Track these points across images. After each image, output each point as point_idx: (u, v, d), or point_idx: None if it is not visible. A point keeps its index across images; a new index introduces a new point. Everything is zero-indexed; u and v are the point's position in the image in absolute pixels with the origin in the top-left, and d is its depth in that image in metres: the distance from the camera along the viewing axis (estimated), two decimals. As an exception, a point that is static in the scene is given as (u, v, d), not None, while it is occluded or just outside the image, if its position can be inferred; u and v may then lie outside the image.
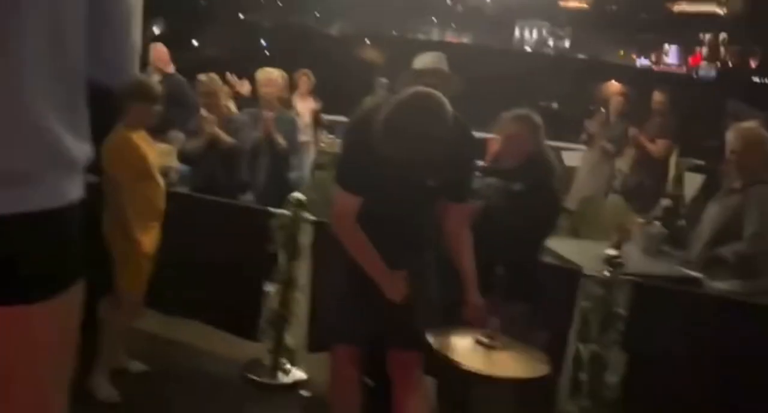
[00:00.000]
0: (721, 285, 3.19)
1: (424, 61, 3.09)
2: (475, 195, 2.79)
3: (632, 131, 6.09)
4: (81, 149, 1.17)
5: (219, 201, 3.62)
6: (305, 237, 3.34)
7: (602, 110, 7.08)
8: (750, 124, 3.42)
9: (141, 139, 3.06)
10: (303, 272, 3.36)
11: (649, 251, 4.16)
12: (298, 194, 3.34)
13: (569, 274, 3.01)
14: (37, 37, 1.07)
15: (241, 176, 4.22)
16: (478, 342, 1.86)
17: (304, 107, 6.68)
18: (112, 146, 2.98)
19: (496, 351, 1.83)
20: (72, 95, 1.16)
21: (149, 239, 3.05)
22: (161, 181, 3.13)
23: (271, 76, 4.49)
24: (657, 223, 4.30)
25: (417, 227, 2.31)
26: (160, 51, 5.89)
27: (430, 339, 1.94)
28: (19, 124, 1.08)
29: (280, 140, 4.31)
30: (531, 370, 1.85)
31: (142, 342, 3.46)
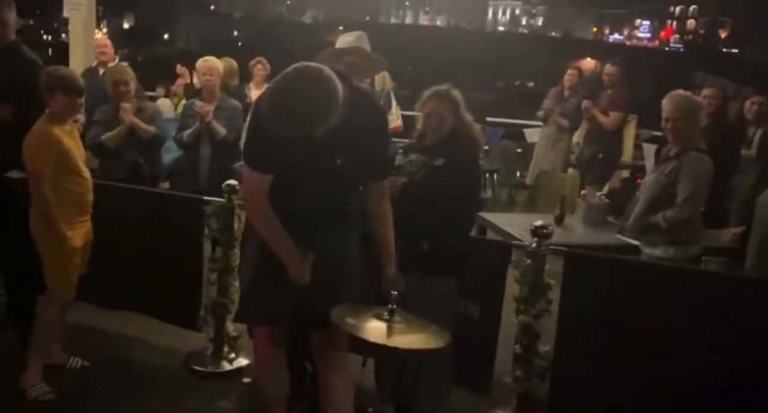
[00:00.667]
0: (656, 252, 3.22)
1: (345, 40, 3.08)
2: (398, 172, 2.80)
3: (585, 103, 6.12)
4: None
5: (152, 191, 3.59)
6: (241, 224, 3.32)
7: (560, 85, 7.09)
8: (683, 92, 3.43)
9: (64, 132, 3.01)
10: (238, 258, 3.35)
11: (591, 221, 4.20)
12: (231, 181, 3.31)
13: (500, 246, 3.03)
14: None
15: (161, 165, 4.23)
16: (379, 317, 1.87)
17: (260, 94, 6.61)
18: (31, 139, 2.93)
19: (396, 324, 1.84)
20: None
21: (78, 234, 3.02)
22: (87, 174, 3.09)
23: (209, 64, 4.44)
24: (599, 194, 4.33)
25: (331, 205, 2.28)
26: (103, 43, 5.80)
27: (332, 315, 1.94)
28: None
29: (219, 129, 4.29)
30: (426, 342, 1.86)
31: (82, 336, 3.43)
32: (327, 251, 2.25)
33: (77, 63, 7.54)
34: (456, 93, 2.83)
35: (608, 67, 6.12)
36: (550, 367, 2.89)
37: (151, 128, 4.11)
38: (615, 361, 2.75)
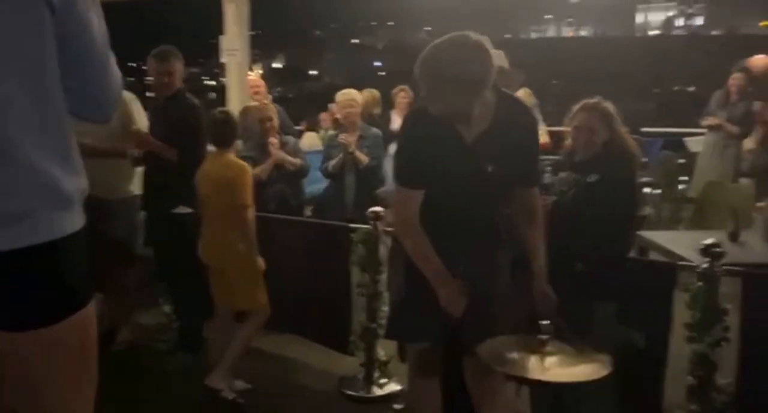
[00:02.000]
0: None
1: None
2: (547, 190, 2.65)
3: (757, 105, 5.51)
4: (74, 185, 1.23)
5: (303, 220, 3.71)
6: (385, 250, 3.32)
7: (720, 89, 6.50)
8: None
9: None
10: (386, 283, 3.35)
11: (773, 237, 3.73)
12: (375, 208, 3.33)
13: (664, 268, 2.76)
14: (10, 79, 1.14)
15: (303, 194, 4.43)
16: (529, 349, 1.73)
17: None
18: (237, 175, 3.18)
19: (549, 356, 1.69)
20: (60, 134, 1.23)
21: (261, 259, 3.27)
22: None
23: (346, 97, 4.56)
24: (781, 205, 3.84)
25: (484, 222, 2.20)
26: (256, 84, 6.15)
27: (480, 350, 1.83)
28: (11, 167, 1.15)
29: (362, 158, 4.39)
30: (582, 374, 1.69)
31: (246, 358, 3.58)
32: (478, 273, 2.15)
33: (235, 103, 8.10)
34: (607, 105, 2.66)
35: None
36: (732, 401, 2.57)
37: (297, 160, 4.26)
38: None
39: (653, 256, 3.82)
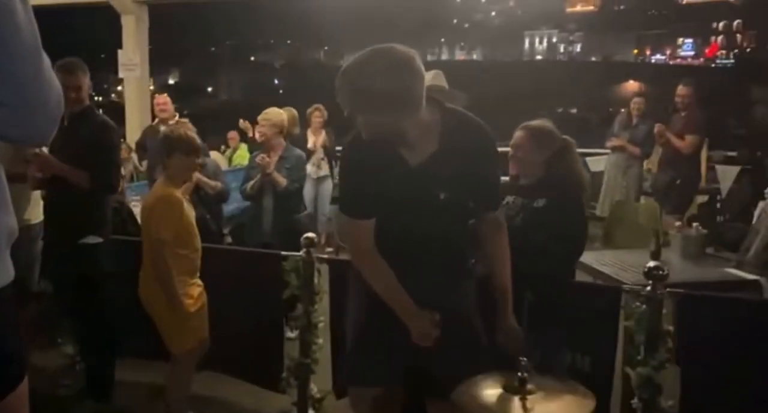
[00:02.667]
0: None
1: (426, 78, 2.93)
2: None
3: (658, 127, 5.81)
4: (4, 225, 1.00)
5: (227, 249, 3.46)
6: (322, 278, 3.15)
7: (622, 111, 6.86)
8: None
9: (180, 195, 2.99)
10: (323, 315, 3.17)
11: (691, 255, 3.89)
12: (309, 234, 3.16)
13: (607, 291, 2.77)
14: None
15: (222, 218, 4.23)
16: (508, 389, 1.63)
17: (318, 141, 6.56)
18: (155, 204, 2.91)
19: (532, 395, 1.60)
20: None
21: (192, 298, 2.98)
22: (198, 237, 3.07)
23: (266, 116, 4.39)
24: (695, 224, 4.02)
25: (443, 251, 2.07)
26: (163, 101, 5.83)
27: (454, 396, 1.70)
28: None
29: (280, 180, 4.23)
30: (574, 410, 1.61)
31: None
32: (443, 305, 2.02)
33: (134, 122, 7.68)
34: (547, 125, 2.64)
35: (681, 89, 5.83)
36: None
37: (217, 183, 4.05)
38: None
39: (579, 277, 3.88)
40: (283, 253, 3.20)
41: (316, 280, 3.13)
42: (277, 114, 4.48)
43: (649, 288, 2.55)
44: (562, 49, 73.81)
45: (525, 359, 1.64)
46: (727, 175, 7.80)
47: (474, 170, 1.98)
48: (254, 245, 4.33)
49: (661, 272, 2.54)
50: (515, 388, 1.62)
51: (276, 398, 3.32)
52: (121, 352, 3.43)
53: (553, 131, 2.67)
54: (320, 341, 3.15)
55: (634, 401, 2.62)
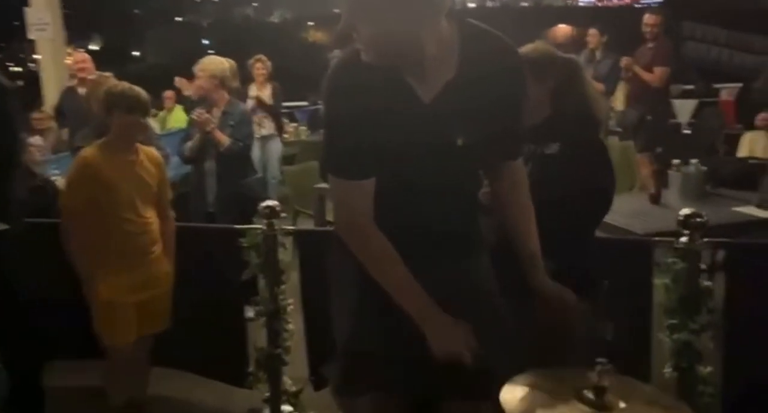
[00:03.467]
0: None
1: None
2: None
3: (625, 60, 5.41)
4: None
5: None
6: (286, 254, 2.64)
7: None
8: None
9: (118, 160, 2.52)
10: (291, 296, 2.67)
11: (692, 195, 3.53)
12: (269, 202, 2.62)
13: (636, 247, 2.36)
14: None
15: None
16: (583, 399, 1.18)
17: (264, 96, 5.93)
18: (71, 167, 2.52)
19: (615, 410, 1.15)
20: None
21: (123, 283, 2.52)
22: (147, 212, 2.61)
23: (205, 66, 3.79)
24: (694, 161, 3.66)
25: (464, 218, 1.59)
26: (81, 59, 5.11)
27: (504, 399, 1.24)
28: None
29: (222, 139, 3.69)
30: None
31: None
32: (457, 287, 1.54)
33: (52, 87, 6.87)
34: (539, 48, 2.12)
35: (649, 17, 5.42)
36: (716, 393, 2.24)
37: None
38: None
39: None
40: (240, 227, 2.66)
41: (280, 256, 2.62)
42: (217, 63, 3.89)
43: (685, 239, 2.15)
44: (494, -5, 73.97)
45: (605, 364, 1.18)
46: (685, 109, 7.58)
47: (499, 104, 1.48)
48: (198, 215, 3.79)
49: (699, 220, 2.13)
50: (591, 401, 1.17)
51: (244, 394, 2.83)
52: (51, 354, 2.87)
53: (553, 55, 2.15)
54: (291, 326, 2.66)
55: (667, 370, 2.25)
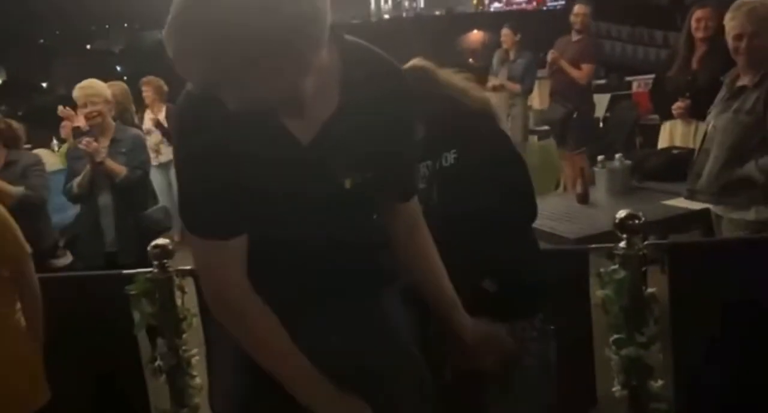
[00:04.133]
0: (748, 216, 2.43)
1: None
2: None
3: (552, 54, 5.25)
4: None
5: (51, 278, 2.46)
6: (188, 297, 2.30)
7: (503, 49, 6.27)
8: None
9: None
10: (196, 345, 2.33)
11: (619, 191, 3.39)
12: (159, 241, 2.28)
13: (571, 256, 2.14)
14: None
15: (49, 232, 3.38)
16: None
17: (160, 118, 5.53)
18: None
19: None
20: None
21: None
22: None
23: (88, 91, 3.40)
24: (618, 155, 3.53)
25: (352, 259, 1.26)
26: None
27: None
28: None
29: (117, 169, 3.32)
30: None
31: None
32: (362, 334, 1.26)
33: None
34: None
35: (579, 7, 5.26)
36: (671, 409, 2.05)
37: (17, 189, 3.07)
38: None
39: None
40: (126, 272, 2.30)
41: (179, 301, 2.28)
42: (104, 87, 3.52)
43: (623, 244, 1.95)
44: (407, 5, 74.85)
45: None
46: (600, 103, 7.63)
47: (388, 135, 1.21)
48: (95, 258, 3.39)
49: (636, 223, 1.94)
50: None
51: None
52: None
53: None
54: (197, 381, 2.32)
55: (616, 389, 2.05)
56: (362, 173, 1.20)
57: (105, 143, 3.39)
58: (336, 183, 1.19)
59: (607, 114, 7.64)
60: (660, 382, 2.02)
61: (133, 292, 2.23)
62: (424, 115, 1.74)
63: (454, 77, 1.89)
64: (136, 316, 2.25)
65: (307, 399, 1.16)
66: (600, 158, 3.55)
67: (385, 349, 1.28)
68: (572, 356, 2.03)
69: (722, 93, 2.56)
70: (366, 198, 1.26)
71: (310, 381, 1.17)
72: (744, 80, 2.45)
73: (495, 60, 6.20)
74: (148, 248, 2.25)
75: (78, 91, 3.43)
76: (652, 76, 7.78)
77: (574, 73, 5.18)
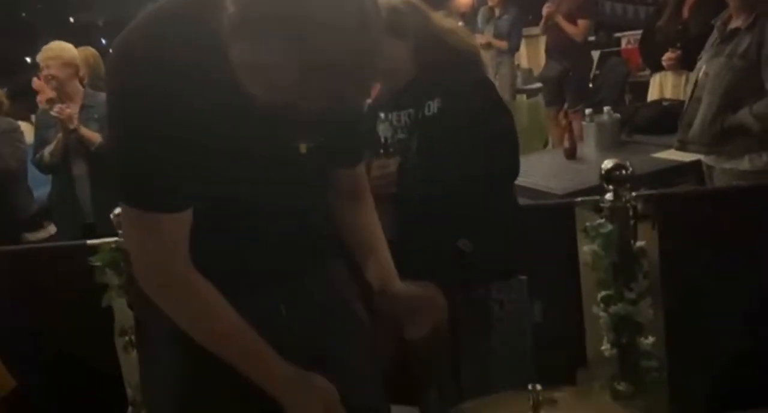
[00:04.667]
0: (742, 165, 2.33)
1: None
2: (385, 150, 1.74)
3: (547, 7, 5.03)
4: None
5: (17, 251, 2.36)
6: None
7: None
8: None
9: None
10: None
11: (608, 145, 3.29)
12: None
13: (555, 211, 2.05)
14: None
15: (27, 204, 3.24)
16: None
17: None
18: None
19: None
20: None
21: None
22: None
23: (53, 54, 3.26)
24: (607, 108, 3.41)
25: (303, 229, 1.16)
26: None
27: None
28: None
29: (91, 136, 3.18)
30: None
31: None
32: (313, 305, 1.17)
33: None
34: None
35: None
36: (662, 367, 1.98)
37: None
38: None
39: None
40: (90, 242, 2.19)
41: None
42: (66, 49, 3.36)
43: (610, 196, 1.85)
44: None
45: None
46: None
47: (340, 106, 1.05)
48: (74, 229, 3.29)
49: (623, 173, 1.83)
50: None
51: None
52: None
53: (411, 4, 1.76)
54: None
55: (605, 347, 1.97)
56: (316, 134, 1.09)
57: (75, 109, 3.26)
58: (292, 145, 1.08)
59: (597, 72, 7.48)
60: (650, 339, 1.95)
61: (97, 263, 2.13)
62: (409, 52, 1.65)
63: (444, 19, 1.79)
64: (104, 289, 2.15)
65: (265, 378, 1.06)
66: (588, 111, 3.44)
67: (339, 323, 1.20)
68: (560, 315, 1.96)
69: (713, 37, 2.43)
70: (319, 166, 1.15)
71: (266, 358, 1.06)
72: (736, 22, 2.32)
73: (480, 18, 6.04)
74: (111, 216, 2.13)
75: (41, 56, 3.29)
76: (640, 31, 7.61)
77: (570, 29, 4.98)
